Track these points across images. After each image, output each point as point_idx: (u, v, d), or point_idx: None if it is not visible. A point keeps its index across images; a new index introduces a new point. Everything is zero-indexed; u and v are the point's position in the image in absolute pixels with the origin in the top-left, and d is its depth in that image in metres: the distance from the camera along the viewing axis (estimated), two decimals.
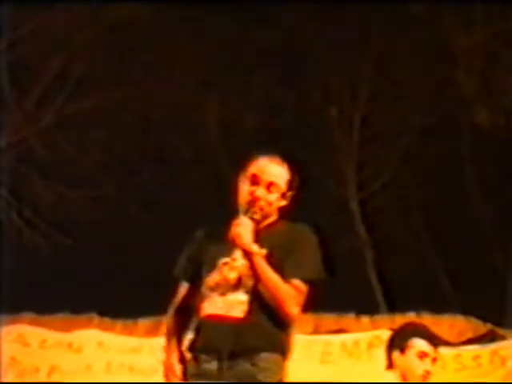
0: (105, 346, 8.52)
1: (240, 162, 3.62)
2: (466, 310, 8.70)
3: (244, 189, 3.49)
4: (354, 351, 8.09)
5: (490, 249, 13.37)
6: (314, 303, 3.46)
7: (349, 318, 8.65)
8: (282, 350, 3.42)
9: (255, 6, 12.84)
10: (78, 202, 13.66)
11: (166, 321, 3.60)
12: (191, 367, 3.42)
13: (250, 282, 3.39)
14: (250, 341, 3.34)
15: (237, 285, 3.40)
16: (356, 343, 8.11)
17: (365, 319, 8.61)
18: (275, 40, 13.80)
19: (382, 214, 14.71)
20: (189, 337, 3.51)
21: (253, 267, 3.32)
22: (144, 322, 8.68)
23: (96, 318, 8.91)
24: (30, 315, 8.99)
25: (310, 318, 8.64)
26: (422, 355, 4.33)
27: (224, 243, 3.41)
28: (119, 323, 8.78)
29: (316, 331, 8.51)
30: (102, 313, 8.93)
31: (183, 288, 3.59)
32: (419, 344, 4.34)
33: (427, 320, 7.66)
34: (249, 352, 3.33)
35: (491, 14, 13.23)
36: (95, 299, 9.80)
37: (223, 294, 3.41)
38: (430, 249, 14.36)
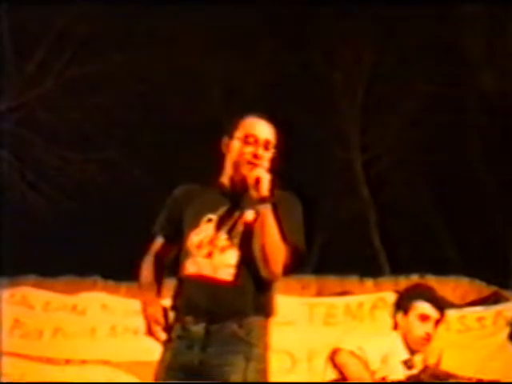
0: (109, 309, 8.52)
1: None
2: (470, 272, 8.71)
3: (238, 149, 3.49)
4: (357, 313, 8.10)
5: (494, 211, 13.37)
6: (293, 271, 3.46)
7: (352, 281, 8.65)
8: (267, 312, 3.46)
9: None
10: (81, 165, 13.66)
11: (142, 272, 3.59)
12: (176, 329, 3.43)
13: (236, 242, 3.40)
14: (236, 303, 3.37)
15: (224, 244, 3.41)
16: (360, 305, 8.12)
17: (368, 281, 8.61)
18: (280, 7, 13.70)
19: (386, 177, 14.70)
20: (170, 296, 3.48)
21: (261, 217, 3.32)
22: None
23: (100, 281, 8.92)
24: (33, 278, 8.99)
25: (313, 281, 8.68)
26: (424, 318, 4.34)
27: (207, 198, 3.46)
28: (123, 286, 8.78)
29: (320, 294, 8.53)
30: (106, 276, 8.94)
31: (158, 242, 3.60)
32: (422, 307, 4.36)
33: (431, 282, 7.63)
34: (236, 314, 3.36)
35: None
36: (99, 262, 9.81)
37: (209, 254, 3.41)
38: (434, 211, 14.37)
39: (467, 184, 13.56)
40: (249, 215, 3.42)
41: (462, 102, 13.98)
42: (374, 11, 13.90)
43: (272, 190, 3.37)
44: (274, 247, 3.33)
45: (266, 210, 3.32)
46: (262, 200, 3.32)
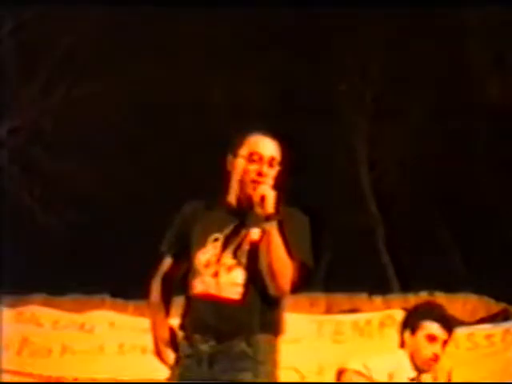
0: (117, 327, 8.53)
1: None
2: (479, 289, 8.68)
3: (243, 167, 3.49)
4: (365, 331, 8.08)
5: (503, 226, 13.32)
6: (301, 287, 3.48)
7: (361, 298, 8.62)
8: (275, 329, 3.46)
9: None
10: (90, 181, 13.70)
11: (151, 293, 3.62)
12: (184, 347, 3.45)
13: (243, 261, 3.41)
14: (244, 322, 3.37)
15: (231, 263, 3.42)
16: (368, 323, 8.10)
17: (377, 299, 8.59)
18: (285, 18, 13.72)
19: (394, 192, 14.67)
20: (179, 315, 3.50)
21: (267, 234, 3.32)
22: None
23: (108, 299, 8.92)
24: (42, 296, 9.01)
25: (322, 298, 8.67)
26: (432, 338, 4.32)
27: (214, 217, 3.48)
28: (131, 304, 8.78)
29: (328, 311, 8.51)
30: (115, 294, 8.94)
31: (167, 262, 3.62)
32: (430, 327, 4.33)
33: (440, 299, 7.63)
34: (244, 332, 3.37)
35: None
36: (107, 280, 9.81)
37: (216, 273, 3.42)
38: (443, 227, 14.31)
39: (477, 198, 13.52)
40: (254, 234, 3.41)
41: (470, 112, 13.97)
42: (380, 22, 13.93)
43: (277, 207, 3.37)
44: (281, 264, 3.33)
45: (272, 228, 3.32)
46: (268, 217, 3.33)
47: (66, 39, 13.45)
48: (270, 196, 3.35)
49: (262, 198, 3.35)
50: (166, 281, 3.61)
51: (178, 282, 3.62)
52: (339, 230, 14.42)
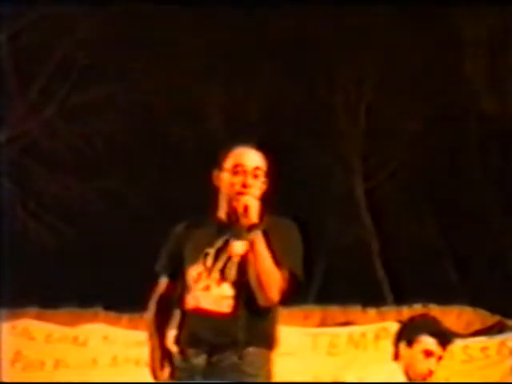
0: (110, 340, 8.51)
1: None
2: (474, 301, 8.67)
3: (228, 181, 3.47)
4: (360, 343, 8.07)
5: (498, 238, 13.33)
6: (291, 298, 3.43)
7: (355, 310, 8.62)
8: (269, 343, 3.44)
9: None
10: (83, 194, 13.66)
11: (147, 316, 3.60)
12: (178, 361, 3.44)
13: (233, 274, 3.39)
14: (236, 334, 3.34)
15: (220, 276, 3.41)
16: (363, 335, 8.10)
17: (371, 311, 8.58)
18: (280, 29, 13.75)
19: (388, 204, 14.68)
20: (173, 331, 3.51)
21: (252, 244, 3.31)
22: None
23: (101, 312, 8.90)
24: (35, 309, 8.98)
25: (316, 311, 8.65)
26: (428, 354, 4.29)
27: (205, 233, 3.47)
28: (125, 317, 8.76)
29: (323, 324, 8.50)
30: (108, 307, 8.92)
31: (163, 282, 3.60)
32: (427, 341, 4.30)
33: (435, 311, 7.62)
34: (236, 345, 3.34)
35: (497, 1, 13.17)
36: (101, 293, 9.79)
37: (207, 287, 3.41)
38: (437, 239, 14.31)
39: (471, 210, 13.54)
40: (237, 247, 3.40)
41: (465, 126, 14.00)
42: (375, 34, 13.97)
43: (262, 216, 3.35)
44: (268, 273, 3.31)
45: (256, 237, 3.30)
46: (251, 227, 3.31)
47: (64, 47, 13.44)
48: (253, 206, 3.34)
49: (245, 208, 3.33)
50: (162, 301, 3.60)
51: (175, 300, 3.61)
52: (333, 242, 14.42)
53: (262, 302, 3.34)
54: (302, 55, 14.29)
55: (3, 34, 13.05)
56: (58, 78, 13.70)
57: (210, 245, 3.46)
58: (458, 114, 13.85)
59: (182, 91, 13.63)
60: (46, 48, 13.35)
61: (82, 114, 13.75)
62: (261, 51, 14.09)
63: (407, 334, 4.37)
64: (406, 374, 4.32)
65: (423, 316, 5.01)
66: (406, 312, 7.71)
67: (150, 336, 3.55)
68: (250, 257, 3.32)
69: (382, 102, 14.69)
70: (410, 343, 4.32)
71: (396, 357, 4.36)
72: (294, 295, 3.44)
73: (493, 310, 8.28)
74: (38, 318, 8.75)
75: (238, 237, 3.38)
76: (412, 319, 4.60)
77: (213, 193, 3.57)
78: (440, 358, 4.31)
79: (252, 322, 3.37)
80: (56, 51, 13.53)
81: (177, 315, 3.53)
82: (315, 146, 14.29)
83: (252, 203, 3.34)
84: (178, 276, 3.54)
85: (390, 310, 8.57)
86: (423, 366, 4.28)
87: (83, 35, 13.35)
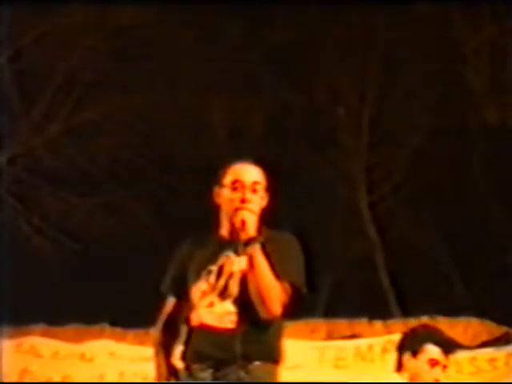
0: (117, 356, 8.52)
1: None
2: (481, 313, 8.65)
3: (228, 196, 3.48)
4: (367, 356, 8.06)
5: (504, 250, 13.29)
6: (292, 311, 3.43)
7: (361, 323, 8.60)
8: (274, 357, 3.44)
9: (262, 7, 12.82)
10: (86, 210, 13.68)
11: (154, 335, 3.63)
12: (184, 377, 3.45)
13: (235, 289, 3.40)
14: (242, 349, 3.35)
15: (223, 293, 3.41)
16: (370, 348, 8.08)
17: (378, 324, 8.57)
18: (282, 41, 13.77)
19: (393, 217, 14.65)
20: (180, 347, 3.53)
21: (250, 258, 3.31)
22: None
23: (108, 328, 8.90)
24: (41, 326, 8.98)
25: (322, 324, 8.64)
26: (434, 363, 4.27)
27: (208, 252, 3.48)
28: (131, 333, 8.76)
29: (329, 337, 8.49)
30: (114, 323, 8.92)
31: (170, 302, 3.62)
32: (432, 351, 4.29)
33: (441, 323, 7.62)
34: (242, 360, 3.35)
35: (498, 12, 13.19)
36: (106, 309, 9.79)
37: (211, 304, 3.42)
38: (443, 251, 14.27)
39: (476, 222, 13.50)
40: (238, 262, 3.40)
41: (467, 138, 13.99)
42: (377, 48, 13.99)
43: (259, 230, 3.36)
44: (268, 286, 3.31)
45: (255, 250, 3.30)
46: (249, 241, 3.32)
47: (65, 65, 13.48)
48: (250, 220, 3.35)
49: (242, 223, 3.35)
50: (170, 320, 3.61)
51: (182, 318, 3.62)
52: (339, 256, 14.39)
53: (263, 315, 3.34)
54: (304, 68, 14.29)
55: (3, 55, 13.10)
56: (61, 95, 13.73)
57: (213, 262, 3.47)
58: (460, 125, 13.83)
59: (184, 105, 13.65)
60: (48, 66, 13.37)
61: (84, 131, 13.77)
62: (263, 65, 14.11)
63: (411, 344, 4.35)
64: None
65: (425, 326, 5.00)
66: (413, 324, 7.65)
67: (157, 353, 3.56)
68: (250, 270, 3.33)
69: (385, 115, 14.69)
70: (414, 353, 4.30)
71: (399, 368, 4.35)
72: (297, 307, 3.45)
73: (499, 321, 8.27)
74: (45, 335, 8.76)
75: (237, 252, 3.39)
76: (413, 330, 4.57)
77: (215, 208, 3.58)
78: (445, 367, 4.30)
79: (256, 336, 3.37)
80: (57, 69, 13.56)
81: (183, 332, 3.55)
82: (318, 159, 14.29)
83: (249, 217, 3.35)
84: (183, 297, 3.55)
85: (397, 323, 8.55)
86: (429, 375, 4.26)
87: (84, 53, 13.38)
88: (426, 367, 4.25)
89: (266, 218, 3.47)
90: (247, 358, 3.35)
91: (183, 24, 13.25)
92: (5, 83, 13.11)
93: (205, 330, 3.41)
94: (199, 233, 3.66)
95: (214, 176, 3.59)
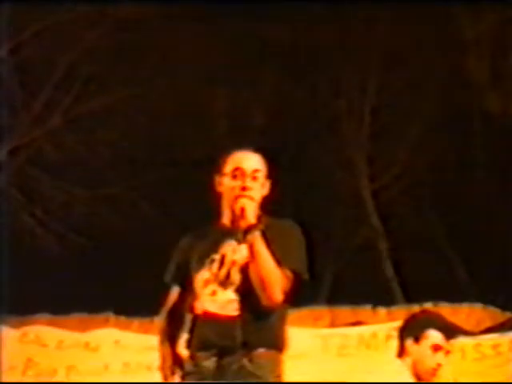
0: (122, 345, 8.51)
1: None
2: (484, 299, 8.66)
3: (228, 184, 3.51)
4: (371, 343, 8.05)
5: (506, 236, 13.30)
6: (294, 297, 3.46)
7: (365, 310, 8.61)
8: (278, 345, 3.46)
9: (264, 0, 12.83)
10: (89, 201, 13.70)
11: (159, 325, 3.66)
12: (188, 365, 3.48)
13: (237, 278, 3.43)
14: (245, 337, 3.37)
15: (225, 281, 3.44)
16: (374, 335, 8.08)
17: (381, 311, 8.57)
18: (284, 34, 13.77)
19: (396, 205, 14.68)
20: (185, 336, 3.55)
21: (251, 246, 3.33)
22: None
23: (112, 317, 8.91)
24: (46, 316, 8.99)
25: (325, 312, 8.65)
26: (437, 348, 4.29)
27: (210, 241, 3.51)
28: (136, 322, 8.77)
29: (333, 324, 8.49)
30: (118, 312, 8.94)
31: (175, 292, 3.65)
32: (434, 336, 4.31)
33: (445, 310, 7.62)
34: (245, 348, 3.37)
35: (499, 0, 13.19)
36: (111, 298, 9.80)
37: (213, 292, 3.45)
38: (445, 238, 14.30)
39: (477, 209, 13.52)
40: (239, 250, 3.43)
41: (469, 126, 14.00)
42: (377, 37, 13.98)
43: (259, 217, 3.38)
44: (269, 273, 3.32)
45: (255, 238, 3.32)
46: (249, 228, 3.34)
47: (67, 57, 13.49)
48: (250, 207, 3.37)
49: (242, 210, 3.37)
50: (174, 309, 3.64)
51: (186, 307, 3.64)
52: (342, 243, 14.42)
53: (265, 302, 3.36)
54: (305, 59, 14.30)
55: (4, 49, 13.10)
56: (62, 88, 13.74)
57: (215, 251, 3.50)
58: (461, 114, 13.84)
59: (185, 98, 13.65)
60: (49, 59, 13.38)
61: (86, 123, 13.79)
62: (264, 56, 14.11)
63: (413, 330, 4.37)
64: (414, 370, 4.32)
65: (426, 312, 5.04)
66: (417, 311, 7.69)
67: (161, 343, 3.59)
68: (250, 258, 3.35)
69: (386, 104, 14.70)
70: (417, 339, 4.32)
71: (401, 354, 4.36)
72: (299, 294, 3.47)
73: (503, 307, 8.28)
74: (50, 324, 8.76)
75: (238, 240, 3.42)
76: (415, 315, 4.60)
77: (217, 199, 3.60)
78: (447, 352, 4.32)
79: (258, 323, 3.39)
80: (58, 62, 13.57)
81: (188, 320, 3.57)
82: (320, 149, 14.30)
83: (249, 205, 3.37)
84: (187, 285, 3.58)
85: (401, 310, 8.54)
86: (432, 361, 4.28)
87: (85, 45, 13.38)
88: (429, 352, 4.27)
89: (268, 206, 3.49)
90: (250, 346, 3.37)
91: (184, 16, 13.24)
92: (5, 76, 13.11)
93: (209, 318, 3.44)
94: (201, 223, 3.69)
95: (215, 167, 3.60)
